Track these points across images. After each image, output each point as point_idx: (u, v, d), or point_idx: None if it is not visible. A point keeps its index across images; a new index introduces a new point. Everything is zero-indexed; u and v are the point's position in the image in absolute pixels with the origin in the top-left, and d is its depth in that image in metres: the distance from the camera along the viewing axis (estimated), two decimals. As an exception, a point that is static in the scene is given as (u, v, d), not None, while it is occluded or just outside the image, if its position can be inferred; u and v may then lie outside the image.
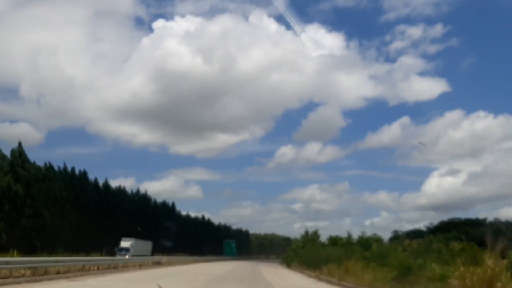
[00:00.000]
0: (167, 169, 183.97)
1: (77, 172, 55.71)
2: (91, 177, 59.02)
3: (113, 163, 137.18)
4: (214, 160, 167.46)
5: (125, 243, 49.73)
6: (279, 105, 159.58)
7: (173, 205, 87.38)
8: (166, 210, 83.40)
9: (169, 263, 42.02)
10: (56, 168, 51.74)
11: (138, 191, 71.47)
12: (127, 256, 41.02)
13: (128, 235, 51.29)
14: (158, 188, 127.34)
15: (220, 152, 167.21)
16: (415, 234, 66.58)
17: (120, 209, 59.38)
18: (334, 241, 39.24)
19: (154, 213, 72.36)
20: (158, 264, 39.48)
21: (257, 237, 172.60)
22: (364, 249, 29.77)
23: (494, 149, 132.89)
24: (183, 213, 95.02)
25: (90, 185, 58.23)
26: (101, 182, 61.10)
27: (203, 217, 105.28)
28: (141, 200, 71.32)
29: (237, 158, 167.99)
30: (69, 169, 54.54)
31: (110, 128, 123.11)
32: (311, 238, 45.07)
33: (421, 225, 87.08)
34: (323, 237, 47.26)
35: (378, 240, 39.09)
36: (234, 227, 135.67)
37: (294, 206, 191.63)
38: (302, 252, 38.50)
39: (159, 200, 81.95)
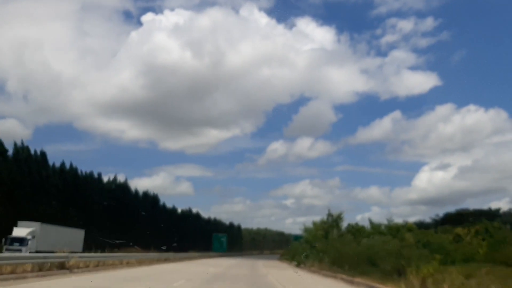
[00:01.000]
0: (158, 165, 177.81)
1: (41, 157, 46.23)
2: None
3: (102, 159, 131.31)
4: (204, 156, 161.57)
5: (20, 231, 32.33)
6: (270, 100, 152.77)
7: (156, 196, 77.66)
8: (150, 202, 73.83)
9: (94, 266, 23.05)
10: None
11: (115, 178, 61.44)
12: (23, 252, 28.21)
13: (99, 226, 41.64)
14: (148, 184, 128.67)
15: (210, 148, 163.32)
16: (421, 227, 61.71)
17: (89, 197, 49.68)
18: (356, 231, 30.16)
19: (133, 204, 62.80)
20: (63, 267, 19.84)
21: (249, 232, 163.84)
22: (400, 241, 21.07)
23: (485, 143, 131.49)
24: (169, 205, 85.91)
25: (54, 170, 48.49)
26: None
27: (190, 210, 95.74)
28: (119, 189, 61.48)
29: (228, 155, 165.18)
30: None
31: (99, 124, 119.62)
32: (332, 224, 34.04)
33: (426, 218, 78.49)
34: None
35: (411, 229, 30.29)
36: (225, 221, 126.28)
37: (285, 202, 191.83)
38: (326, 244, 27.47)
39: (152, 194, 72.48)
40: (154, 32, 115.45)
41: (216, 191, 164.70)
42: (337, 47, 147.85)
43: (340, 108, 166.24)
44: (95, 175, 58.12)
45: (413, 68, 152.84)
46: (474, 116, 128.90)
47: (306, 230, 35.55)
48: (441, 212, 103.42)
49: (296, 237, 54.91)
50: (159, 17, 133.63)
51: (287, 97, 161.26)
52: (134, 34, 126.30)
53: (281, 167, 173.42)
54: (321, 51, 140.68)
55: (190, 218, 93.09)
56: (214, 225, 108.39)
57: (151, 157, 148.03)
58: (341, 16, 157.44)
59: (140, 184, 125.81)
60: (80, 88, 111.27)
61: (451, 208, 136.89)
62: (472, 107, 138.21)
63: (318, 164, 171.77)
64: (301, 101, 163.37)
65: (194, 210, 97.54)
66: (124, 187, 61.26)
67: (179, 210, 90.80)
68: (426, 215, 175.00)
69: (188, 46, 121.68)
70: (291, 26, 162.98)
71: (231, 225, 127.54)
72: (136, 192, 69.83)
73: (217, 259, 49.76)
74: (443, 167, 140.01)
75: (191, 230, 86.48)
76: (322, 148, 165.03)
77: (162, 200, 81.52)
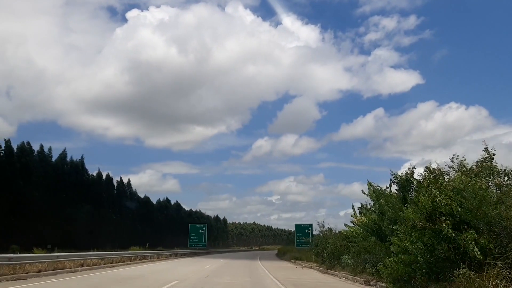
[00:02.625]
0: (145, 162, 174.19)
1: None
2: None
3: (87, 157, 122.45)
4: (191, 153, 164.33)
5: None
6: (255, 97, 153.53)
7: (123, 183, 64.32)
8: (116, 188, 60.77)
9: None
10: None
11: (64, 153, 47.76)
12: None
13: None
14: (135, 181, 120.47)
15: (196, 145, 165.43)
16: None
17: (26, 177, 36.59)
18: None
19: (92, 190, 49.77)
20: None
21: (236, 226, 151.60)
22: None
23: (465, 141, 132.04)
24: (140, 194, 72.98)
25: None
26: None
27: (168, 201, 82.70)
28: (74, 169, 48.19)
29: (214, 152, 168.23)
30: None
31: (83, 121, 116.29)
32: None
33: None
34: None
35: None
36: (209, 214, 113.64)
37: (271, 198, 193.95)
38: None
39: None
40: (139, 28, 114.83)
41: (202, 188, 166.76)
42: (321, 45, 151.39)
43: (324, 105, 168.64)
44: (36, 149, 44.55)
45: (396, 66, 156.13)
46: (455, 114, 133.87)
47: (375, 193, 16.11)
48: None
49: (300, 227, 42.79)
50: (144, 13, 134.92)
51: (272, 94, 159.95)
52: (119, 31, 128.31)
53: (266, 164, 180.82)
54: (306, 49, 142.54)
55: (168, 210, 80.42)
56: (197, 219, 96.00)
57: (137, 154, 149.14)
58: (326, 14, 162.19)
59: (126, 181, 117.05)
60: (65, 84, 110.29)
61: None
62: (453, 104, 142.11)
63: (303, 161, 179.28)
64: (286, 98, 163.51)
65: (171, 200, 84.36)
66: (77, 166, 47.73)
67: (152, 199, 78.08)
68: None
69: (173, 42, 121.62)
70: (276, 23, 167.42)
71: (217, 218, 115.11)
72: (100, 176, 56.68)
73: (192, 259, 35.77)
74: (424, 163, 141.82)
75: (170, 223, 74.03)
76: (306, 144, 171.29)
77: (134, 187, 68.67)
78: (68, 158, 47.78)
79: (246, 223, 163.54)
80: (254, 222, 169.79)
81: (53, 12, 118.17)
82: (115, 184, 61.51)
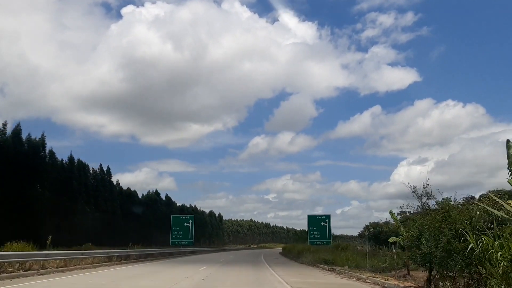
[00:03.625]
0: (140, 161, 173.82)
1: None
2: None
3: (82, 155, 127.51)
4: (187, 151, 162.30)
5: None
6: (252, 94, 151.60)
7: (104, 170, 55.14)
8: (93, 177, 51.86)
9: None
10: None
11: (18, 128, 38.35)
12: None
13: None
14: (131, 180, 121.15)
15: (193, 142, 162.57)
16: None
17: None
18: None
19: (57, 176, 40.88)
20: None
21: (232, 223, 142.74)
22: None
23: (462, 138, 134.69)
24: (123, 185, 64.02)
25: None
26: None
27: (157, 193, 73.75)
28: (32, 150, 39.06)
29: (211, 150, 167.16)
30: None
31: (78, 118, 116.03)
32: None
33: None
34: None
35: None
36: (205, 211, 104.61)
37: (267, 197, 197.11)
38: None
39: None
40: (134, 24, 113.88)
41: (199, 186, 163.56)
42: (318, 42, 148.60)
43: (320, 102, 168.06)
44: None
45: (393, 64, 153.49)
46: (453, 111, 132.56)
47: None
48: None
49: (314, 219, 33.79)
50: (140, 9, 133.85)
51: (269, 92, 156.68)
52: (114, 27, 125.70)
53: (263, 162, 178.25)
54: (302, 46, 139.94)
55: (156, 204, 71.50)
56: (190, 214, 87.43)
57: (133, 152, 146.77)
58: (324, 11, 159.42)
59: (123, 179, 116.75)
60: (59, 81, 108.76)
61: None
62: (450, 102, 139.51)
63: (299, 159, 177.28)
64: (282, 95, 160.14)
65: (160, 193, 75.38)
66: (36, 146, 38.46)
67: (137, 192, 69.08)
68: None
69: (169, 39, 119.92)
70: (273, 20, 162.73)
71: (211, 214, 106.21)
72: (73, 162, 47.72)
73: (143, 268, 21.93)
74: (421, 161, 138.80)
75: (158, 219, 65.27)
76: (303, 142, 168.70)
77: (116, 177, 59.74)
78: (26, 138, 38.55)
79: (243, 220, 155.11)
80: (251, 220, 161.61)
81: (47, 9, 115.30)
82: (91, 172, 52.62)
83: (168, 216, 72.72)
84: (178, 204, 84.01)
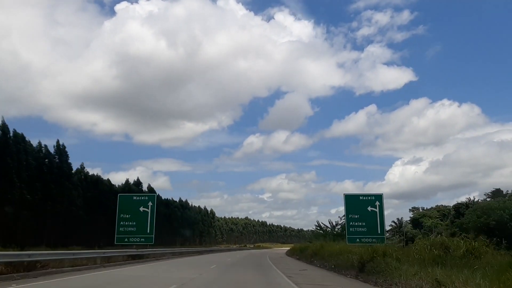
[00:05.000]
0: (135, 159, 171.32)
1: None
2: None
3: (75, 153, 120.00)
4: (182, 150, 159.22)
5: None
6: (247, 93, 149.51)
7: (60, 148, 42.49)
8: (36, 153, 39.37)
9: None
10: None
11: None
12: None
13: None
14: (125, 179, 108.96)
15: (187, 141, 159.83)
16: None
17: None
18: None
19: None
20: None
21: (226, 221, 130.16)
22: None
23: (457, 138, 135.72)
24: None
25: None
26: None
27: (137, 184, 61.34)
28: None
29: (205, 149, 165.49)
30: None
31: (70, 116, 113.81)
32: None
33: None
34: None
35: None
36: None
37: (262, 196, 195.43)
38: None
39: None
40: (128, 21, 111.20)
41: (194, 185, 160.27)
42: (314, 40, 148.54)
43: (316, 101, 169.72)
44: None
45: (389, 63, 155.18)
46: (448, 111, 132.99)
47: None
48: (412, 206, 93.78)
49: (357, 200, 21.27)
50: (134, 6, 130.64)
51: (264, 90, 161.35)
52: (108, 24, 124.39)
53: (258, 161, 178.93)
54: (298, 44, 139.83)
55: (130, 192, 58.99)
56: (177, 209, 75.13)
57: (126, 151, 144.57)
58: (320, 9, 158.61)
59: (117, 178, 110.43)
60: (51, 78, 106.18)
61: (423, 203, 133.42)
62: (446, 101, 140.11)
63: (294, 158, 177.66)
64: (278, 94, 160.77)
65: (142, 181, 62.92)
66: None
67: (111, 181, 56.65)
68: (398, 209, 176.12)
69: (163, 36, 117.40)
70: (268, 18, 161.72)
71: (201, 210, 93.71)
72: (6, 130, 35.30)
73: None
74: (416, 161, 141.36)
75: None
76: (298, 141, 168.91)
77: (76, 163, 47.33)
78: None
79: (238, 218, 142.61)
80: (246, 217, 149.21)
81: (39, 4, 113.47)
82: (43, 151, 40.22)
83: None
84: (163, 198, 71.77)
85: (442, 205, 76.38)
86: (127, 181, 62.45)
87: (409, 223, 72.97)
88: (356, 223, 20.72)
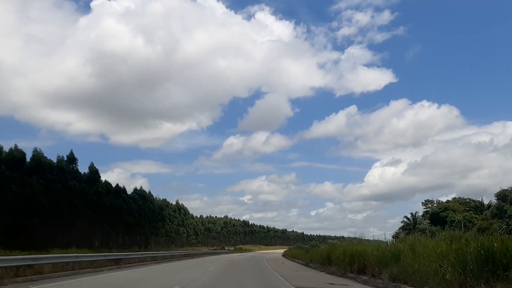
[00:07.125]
0: (113, 161, 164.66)
1: None
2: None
3: (49, 154, 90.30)
4: (161, 151, 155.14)
5: None
6: (226, 93, 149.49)
7: None
8: None
9: None
10: None
11: None
12: None
13: None
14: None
15: (166, 142, 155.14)
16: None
17: None
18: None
19: None
20: None
21: (202, 220, 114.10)
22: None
23: (435, 140, 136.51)
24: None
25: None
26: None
27: (94, 172, 45.24)
28: None
29: (185, 151, 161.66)
30: None
31: (43, 115, 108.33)
32: None
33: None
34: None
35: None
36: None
37: (242, 198, 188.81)
38: None
39: None
40: (104, 17, 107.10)
41: (173, 187, 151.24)
42: (294, 40, 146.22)
43: (296, 102, 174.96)
44: None
45: (369, 65, 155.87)
46: (427, 112, 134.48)
47: None
48: (390, 207, 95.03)
49: None
50: (110, 2, 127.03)
51: (244, 90, 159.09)
52: (83, 20, 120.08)
53: (238, 163, 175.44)
54: (278, 43, 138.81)
55: (65, 177, 42.93)
56: (138, 201, 59.35)
57: (103, 152, 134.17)
58: (301, 9, 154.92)
59: None
60: (23, 76, 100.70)
61: (402, 204, 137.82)
62: (425, 102, 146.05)
63: (275, 160, 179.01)
64: (258, 94, 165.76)
65: (77, 158, 46.92)
66: None
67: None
68: (376, 210, 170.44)
69: (139, 32, 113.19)
70: (249, 16, 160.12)
71: (167, 202, 77.57)
72: None
73: None
74: (394, 163, 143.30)
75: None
76: (278, 142, 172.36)
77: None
78: None
79: (216, 216, 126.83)
80: (226, 216, 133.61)
81: (11, 0, 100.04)
82: None
83: (95, 206, 44.83)
84: (113, 186, 55.48)
85: (460, 198, 63.73)
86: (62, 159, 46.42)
87: (425, 219, 59.71)
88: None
